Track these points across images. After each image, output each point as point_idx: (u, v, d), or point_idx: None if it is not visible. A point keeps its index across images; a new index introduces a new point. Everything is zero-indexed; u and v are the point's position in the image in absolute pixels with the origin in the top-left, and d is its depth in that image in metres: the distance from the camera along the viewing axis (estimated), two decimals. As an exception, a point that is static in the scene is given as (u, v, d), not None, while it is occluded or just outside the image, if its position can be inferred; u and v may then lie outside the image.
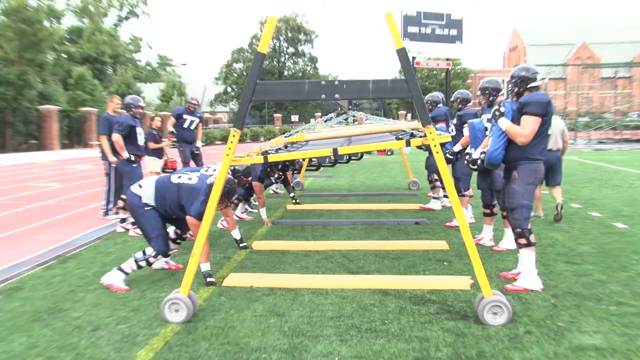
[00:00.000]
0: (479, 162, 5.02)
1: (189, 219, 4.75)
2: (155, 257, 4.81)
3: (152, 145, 9.38)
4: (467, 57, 73.79)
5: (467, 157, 5.48)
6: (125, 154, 7.28)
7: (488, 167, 4.90)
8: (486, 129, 5.51)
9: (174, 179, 4.89)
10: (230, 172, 5.17)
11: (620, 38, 70.24)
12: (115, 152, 7.60)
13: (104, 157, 8.32)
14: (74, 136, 35.70)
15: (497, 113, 4.59)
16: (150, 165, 9.48)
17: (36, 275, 5.24)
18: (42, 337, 3.71)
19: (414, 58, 25.69)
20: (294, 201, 9.24)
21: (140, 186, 4.94)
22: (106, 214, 8.35)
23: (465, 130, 6.85)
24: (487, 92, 5.93)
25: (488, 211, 6.14)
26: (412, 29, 25.74)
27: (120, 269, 4.77)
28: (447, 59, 27.63)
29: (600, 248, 5.93)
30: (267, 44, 3.89)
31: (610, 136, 29.29)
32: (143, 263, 4.81)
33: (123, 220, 7.37)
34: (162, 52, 74.84)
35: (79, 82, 40.42)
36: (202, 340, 3.63)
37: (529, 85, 4.50)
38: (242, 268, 5.41)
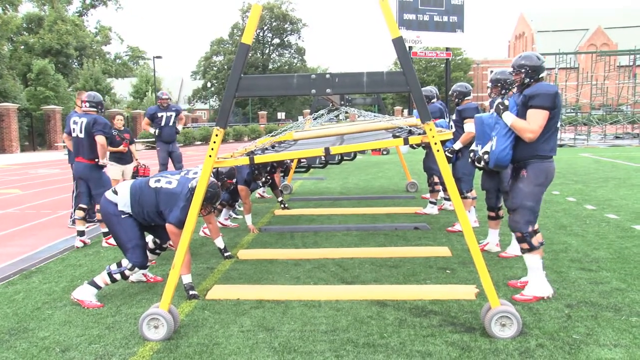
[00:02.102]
0: (483, 161, 5.07)
1: (169, 226, 4.77)
2: (131, 269, 4.82)
3: (109, 148, 9.22)
4: (468, 47, 74.30)
5: (471, 154, 5.53)
6: (104, 161, 7.19)
7: (495, 169, 4.97)
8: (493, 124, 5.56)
9: (152, 183, 4.91)
10: (212, 175, 5.20)
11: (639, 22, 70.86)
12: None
13: (71, 160, 8.32)
14: (35, 137, 35.50)
15: (500, 107, 4.65)
16: (111, 171, 9.38)
17: (-2, 292, 5.22)
18: (6, 360, 3.71)
19: (410, 48, 25.79)
20: (282, 206, 9.29)
21: (115, 192, 4.95)
22: (75, 222, 8.32)
23: (467, 126, 6.92)
24: (499, 84, 5.96)
25: (493, 214, 6.22)
26: (409, 16, 25.84)
27: (93, 283, 4.77)
28: (447, 49, 27.79)
29: (618, 253, 6.01)
30: (251, 35, 3.92)
31: (628, 131, 29.60)
32: (118, 276, 4.81)
33: (82, 234, 7.20)
34: (134, 44, 74.25)
35: (40, 76, 40.23)
36: (185, 358, 3.65)
37: (540, 75, 4.57)
38: (227, 279, 5.44)
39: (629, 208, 8.71)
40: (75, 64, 52.32)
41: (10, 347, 3.92)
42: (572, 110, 32.69)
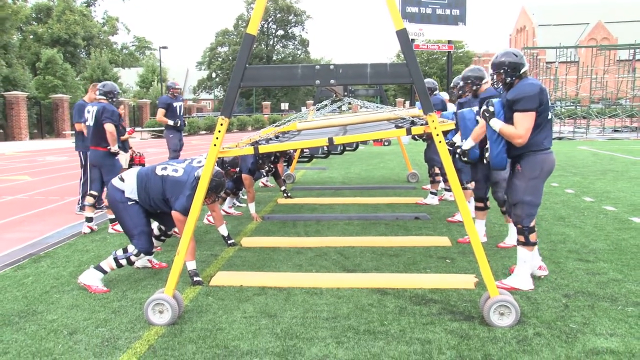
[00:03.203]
0: (475, 154, 5.09)
1: (174, 214, 4.77)
2: (137, 255, 4.83)
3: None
4: (470, 40, 73.95)
5: (457, 149, 5.56)
6: (114, 148, 7.22)
7: (495, 170, 4.98)
8: (477, 120, 5.55)
9: (159, 170, 4.91)
10: (216, 164, 5.19)
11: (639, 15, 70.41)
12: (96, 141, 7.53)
13: (78, 147, 8.34)
14: (44, 125, 35.53)
15: (486, 114, 4.59)
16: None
17: (6, 276, 5.24)
18: (13, 343, 3.72)
19: (413, 40, 25.64)
20: (285, 195, 9.28)
21: (122, 179, 4.95)
22: (82, 209, 8.34)
23: None
24: (469, 81, 6.02)
25: (481, 205, 6.16)
26: (412, 9, 25.70)
27: (99, 268, 4.78)
28: (449, 42, 27.65)
29: (615, 245, 6.00)
30: (256, 25, 3.90)
31: (626, 124, 29.49)
32: (124, 261, 4.82)
33: (90, 220, 7.22)
34: (140, 34, 74.04)
35: (49, 66, 40.23)
36: (189, 343, 3.66)
37: (521, 71, 4.51)
38: (230, 266, 5.45)
39: (627, 200, 8.69)
40: (83, 53, 52.32)
41: (20, 329, 3.93)
42: (571, 104, 32.58)
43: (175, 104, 10.45)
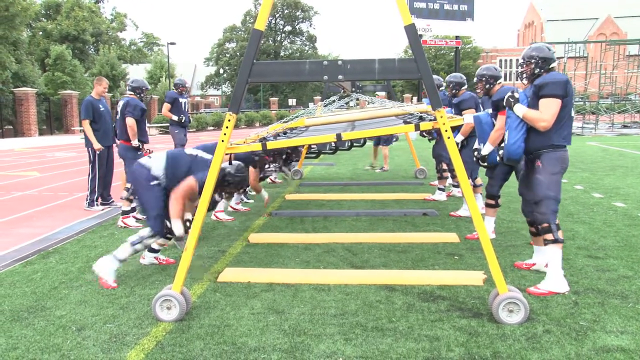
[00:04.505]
0: (494, 158, 5.02)
1: (190, 179, 4.74)
2: (151, 237, 4.80)
3: None
4: (478, 35, 73.59)
5: (475, 152, 5.50)
6: (135, 142, 7.37)
7: (508, 163, 4.89)
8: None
9: (189, 150, 5.01)
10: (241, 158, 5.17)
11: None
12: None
13: (87, 143, 8.35)
14: (53, 121, 35.69)
15: (511, 100, 4.50)
16: None
17: (15, 272, 5.25)
18: (22, 338, 3.73)
19: (421, 36, 25.54)
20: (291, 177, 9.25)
21: (150, 157, 4.99)
22: (91, 204, 8.37)
23: (466, 117, 6.84)
24: (484, 79, 5.95)
25: (492, 202, 6.05)
26: (419, 5, 25.54)
27: (115, 257, 4.75)
28: (457, 37, 27.50)
29: (625, 241, 5.94)
30: (264, 21, 3.88)
31: (635, 119, 29.24)
32: (139, 246, 4.81)
33: (125, 213, 7.31)
34: (148, 31, 74.24)
35: (57, 62, 40.33)
36: (197, 339, 3.65)
37: (550, 66, 4.46)
38: (238, 262, 5.44)
39: (636, 196, 8.61)
40: (92, 49, 52.44)
41: (29, 325, 3.94)
42: (580, 99, 32.32)
43: (181, 100, 10.57)
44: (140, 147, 7.47)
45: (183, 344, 3.59)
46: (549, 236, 4.43)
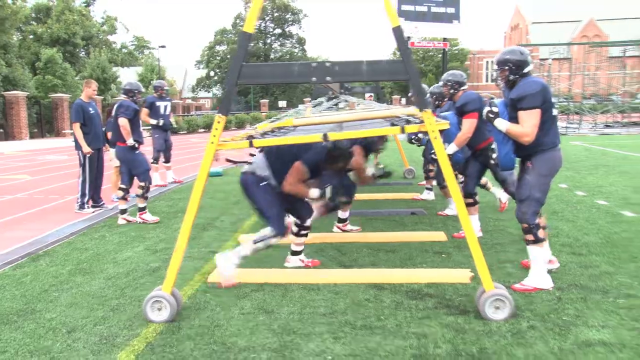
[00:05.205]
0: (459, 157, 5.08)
1: (297, 164, 4.67)
2: (274, 237, 4.62)
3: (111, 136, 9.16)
4: (465, 37, 73.99)
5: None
6: (130, 141, 7.36)
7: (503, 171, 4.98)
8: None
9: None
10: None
11: (630, 14, 70.46)
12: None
13: (78, 146, 8.30)
14: (44, 124, 35.41)
15: (490, 115, 4.44)
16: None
17: (5, 275, 5.21)
18: (12, 341, 3.69)
19: (408, 38, 25.62)
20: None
21: (249, 162, 4.85)
22: (81, 207, 8.31)
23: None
24: (449, 84, 6.09)
25: (471, 200, 6.02)
26: (407, 7, 25.61)
27: (237, 253, 4.59)
28: (444, 39, 27.62)
29: (607, 238, 5.99)
30: (253, 23, 3.87)
31: (618, 119, 29.49)
32: (261, 245, 4.62)
33: (124, 212, 7.43)
34: (139, 34, 73.80)
35: (48, 65, 40.07)
36: (187, 340, 3.64)
37: (525, 70, 4.39)
38: (228, 263, 5.41)
39: (618, 194, 8.69)
40: (83, 53, 52.13)
41: (19, 328, 3.90)
42: (564, 100, 32.57)
43: (159, 103, 10.51)
44: (137, 146, 7.47)
45: (173, 344, 3.58)
46: (530, 237, 4.44)
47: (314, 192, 4.74)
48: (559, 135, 4.51)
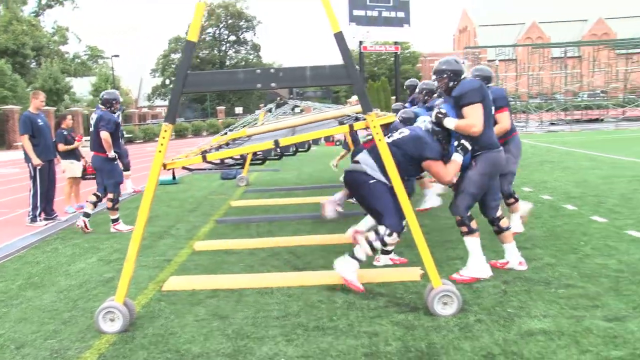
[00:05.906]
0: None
1: (427, 163, 4.49)
2: (390, 235, 4.39)
3: (62, 147, 8.89)
4: (416, 40, 75.01)
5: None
6: (111, 154, 7.29)
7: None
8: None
9: (387, 140, 4.45)
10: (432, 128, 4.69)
11: (570, 16, 73.03)
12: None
13: (27, 159, 8.06)
14: (-6, 137, 34.14)
15: (440, 116, 4.55)
16: (70, 169, 9.13)
17: (-47, 292, 5.01)
18: (-41, 360, 3.57)
19: (361, 42, 25.88)
20: None
21: (357, 162, 4.61)
22: (33, 220, 8.07)
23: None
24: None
25: (512, 200, 6.03)
26: (358, 12, 25.83)
27: (354, 257, 4.42)
28: (395, 43, 27.96)
29: (550, 231, 6.18)
30: (197, 32, 3.85)
31: (561, 117, 30.46)
32: (377, 244, 4.41)
33: (87, 215, 7.35)
34: (92, 43, 71.81)
35: (-3, 77, 38.64)
36: (141, 349, 3.58)
37: (462, 77, 4.64)
38: (183, 271, 5.36)
39: (562, 189, 8.97)
40: (33, 63, 50.55)
41: (-35, 347, 3.76)
42: (512, 99, 33.44)
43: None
44: (116, 158, 7.46)
45: (126, 354, 3.52)
46: (464, 229, 4.63)
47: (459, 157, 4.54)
48: (494, 138, 4.68)
